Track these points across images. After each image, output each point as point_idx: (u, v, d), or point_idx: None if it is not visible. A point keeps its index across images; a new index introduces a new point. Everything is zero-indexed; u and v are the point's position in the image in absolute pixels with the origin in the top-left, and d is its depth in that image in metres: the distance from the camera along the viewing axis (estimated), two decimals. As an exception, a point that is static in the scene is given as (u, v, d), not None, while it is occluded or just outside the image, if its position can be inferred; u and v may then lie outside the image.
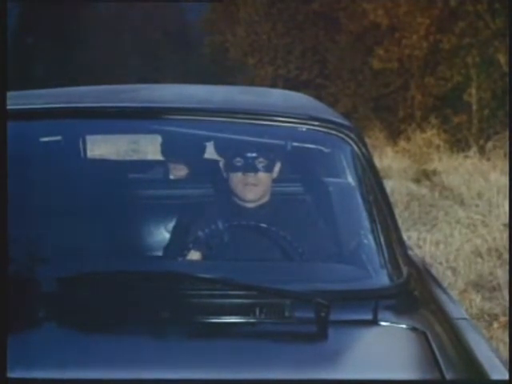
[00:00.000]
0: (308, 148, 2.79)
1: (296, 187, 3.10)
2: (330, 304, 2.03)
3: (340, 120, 2.64)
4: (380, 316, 2.10)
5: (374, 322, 2.09)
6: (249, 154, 2.79)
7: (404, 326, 2.12)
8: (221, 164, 2.86)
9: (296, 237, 2.68)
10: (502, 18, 12.83)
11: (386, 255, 2.35)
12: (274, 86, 15.83)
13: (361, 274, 2.34)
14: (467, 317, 2.43)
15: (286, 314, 2.08)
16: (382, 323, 2.10)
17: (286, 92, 3.48)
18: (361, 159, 2.53)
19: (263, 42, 17.28)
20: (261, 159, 2.80)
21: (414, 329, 2.10)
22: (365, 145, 2.58)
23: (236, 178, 2.83)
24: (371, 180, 2.52)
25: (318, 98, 3.62)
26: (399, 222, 2.62)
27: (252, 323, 2.08)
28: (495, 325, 5.20)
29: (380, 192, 2.52)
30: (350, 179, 2.62)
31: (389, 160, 12.35)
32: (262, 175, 2.83)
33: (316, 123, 2.55)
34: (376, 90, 15.25)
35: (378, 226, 2.41)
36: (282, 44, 17.06)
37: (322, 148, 2.73)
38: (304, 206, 2.93)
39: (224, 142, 2.81)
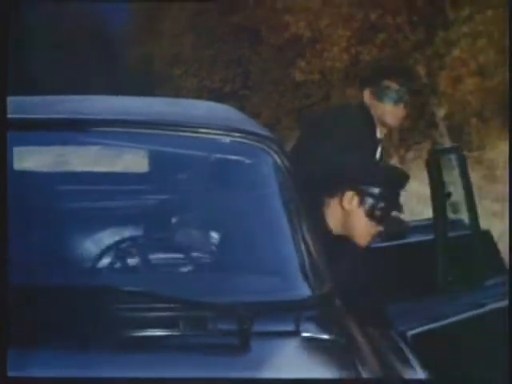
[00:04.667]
0: (231, 159, 2.81)
1: (218, 198, 3.11)
2: (252, 316, 2.03)
3: (262, 131, 2.67)
4: (302, 327, 2.11)
5: (297, 333, 2.10)
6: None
7: (326, 336, 2.14)
8: None
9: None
10: (422, 30, 13.06)
11: (308, 266, 2.37)
12: (199, 97, 15.84)
13: (283, 285, 2.35)
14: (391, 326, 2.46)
15: (210, 326, 2.07)
16: (304, 334, 2.11)
17: (211, 103, 3.50)
18: (283, 170, 2.56)
19: (188, 53, 17.29)
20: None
21: (335, 340, 2.12)
22: (287, 156, 2.62)
23: None
24: (293, 191, 2.55)
25: (242, 109, 3.64)
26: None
27: (176, 336, 2.07)
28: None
29: (302, 203, 2.54)
30: (272, 190, 2.64)
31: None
32: None
33: (238, 134, 2.58)
34: (298, 102, 15.38)
35: (300, 237, 2.43)
36: (206, 56, 17.09)
37: (245, 159, 2.74)
38: (226, 218, 2.94)
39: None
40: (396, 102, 3.56)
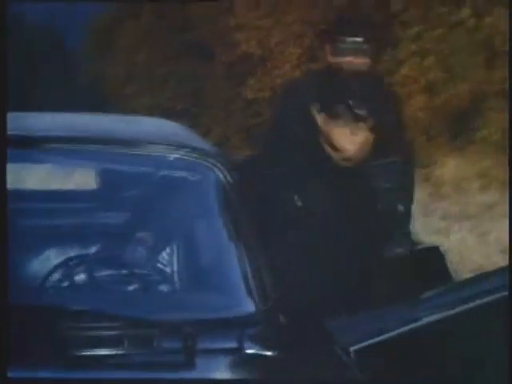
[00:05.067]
0: (177, 176, 2.82)
1: (165, 215, 3.11)
2: (196, 333, 2.03)
3: (208, 147, 2.69)
4: (246, 344, 2.12)
5: (240, 350, 2.11)
6: None
7: (269, 353, 2.15)
8: None
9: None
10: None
11: (252, 282, 2.38)
12: (151, 115, 15.74)
13: (227, 302, 2.36)
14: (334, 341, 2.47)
15: (155, 344, 2.07)
16: (248, 351, 2.12)
17: (158, 120, 3.50)
18: (228, 187, 2.58)
19: (140, 71, 17.23)
20: None
21: (279, 356, 2.13)
22: (232, 172, 2.63)
23: None
24: (238, 207, 2.56)
25: (193, 127, 3.65)
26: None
27: (121, 355, 2.06)
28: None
29: (247, 220, 2.56)
30: (217, 207, 2.65)
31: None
32: None
33: (185, 150, 2.59)
34: (248, 120, 15.38)
35: (245, 254, 2.44)
36: (159, 73, 17.05)
37: (191, 175, 2.75)
38: (172, 235, 2.94)
39: None
40: (354, 53, 3.44)
